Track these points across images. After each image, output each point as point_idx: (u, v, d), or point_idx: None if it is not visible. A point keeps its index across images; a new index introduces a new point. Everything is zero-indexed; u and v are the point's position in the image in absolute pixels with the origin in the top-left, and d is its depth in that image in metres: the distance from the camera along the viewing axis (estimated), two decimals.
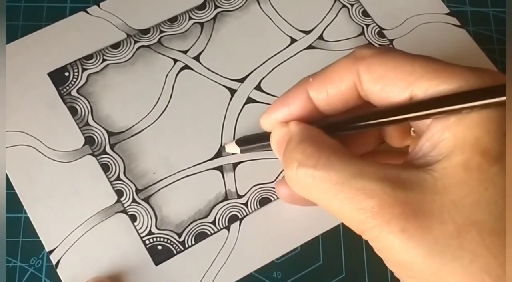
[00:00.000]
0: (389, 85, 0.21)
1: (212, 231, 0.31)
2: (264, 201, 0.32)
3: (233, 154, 0.32)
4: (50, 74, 0.34)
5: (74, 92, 0.34)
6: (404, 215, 0.19)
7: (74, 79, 0.34)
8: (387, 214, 0.19)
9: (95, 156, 0.33)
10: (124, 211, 0.31)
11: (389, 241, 0.19)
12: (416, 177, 0.20)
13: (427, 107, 0.20)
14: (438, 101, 0.20)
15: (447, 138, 0.20)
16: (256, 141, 0.29)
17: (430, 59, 0.21)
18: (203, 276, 0.30)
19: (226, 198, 0.32)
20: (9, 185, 0.32)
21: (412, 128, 0.26)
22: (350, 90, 0.23)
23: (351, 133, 0.25)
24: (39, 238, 0.31)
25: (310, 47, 0.36)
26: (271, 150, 0.26)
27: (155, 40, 0.36)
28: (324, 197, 0.21)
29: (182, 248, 0.31)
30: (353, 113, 0.24)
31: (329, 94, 0.23)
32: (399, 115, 0.21)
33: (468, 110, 0.19)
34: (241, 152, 0.31)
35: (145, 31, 0.36)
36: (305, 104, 0.24)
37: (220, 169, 0.33)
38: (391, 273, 0.31)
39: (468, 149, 0.19)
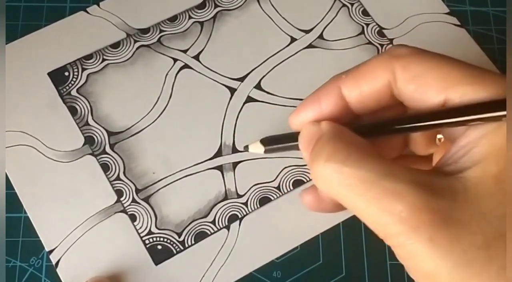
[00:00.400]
0: (424, 86, 0.21)
1: (212, 231, 0.31)
2: (264, 200, 0.32)
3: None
4: (50, 74, 0.34)
5: (74, 92, 0.34)
6: (433, 222, 0.18)
7: (74, 79, 0.34)
8: (416, 220, 0.18)
9: (95, 156, 0.33)
10: (124, 211, 0.31)
11: (415, 249, 0.18)
12: (448, 184, 0.19)
13: (466, 113, 0.20)
14: (477, 107, 0.19)
15: (482, 146, 0.19)
16: (282, 140, 0.28)
17: (467, 65, 0.21)
18: (203, 276, 0.30)
19: (226, 198, 0.32)
20: (9, 185, 0.32)
21: (439, 136, 0.26)
22: (384, 88, 0.22)
23: (376, 141, 0.24)
24: (39, 237, 0.31)
25: (310, 46, 0.36)
26: (297, 150, 0.25)
27: (155, 40, 0.36)
28: (350, 195, 0.20)
29: (182, 248, 0.31)
30: (385, 116, 0.24)
31: (362, 92, 0.23)
32: (436, 120, 0.21)
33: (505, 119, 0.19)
34: (265, 152, 0.29)
35: (144, 31, 0.36)
36: (337, 102, 0.24)
37: (220, 168, 0.33)
38: (391, 272, 0.31)
39: (503, 160, 0.19)
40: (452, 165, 0.20)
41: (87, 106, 0.34)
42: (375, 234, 0.20)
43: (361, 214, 0.20)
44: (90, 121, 0.33)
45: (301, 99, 0.34)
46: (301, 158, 0.33)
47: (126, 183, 0.32)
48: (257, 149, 0.29)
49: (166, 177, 0.32)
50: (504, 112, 0.19)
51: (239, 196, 0.32)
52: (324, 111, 0.24)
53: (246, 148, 0.30)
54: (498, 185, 0.19)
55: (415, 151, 0.26)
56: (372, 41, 0.36)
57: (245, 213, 0.32)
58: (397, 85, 0.22)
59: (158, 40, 0.36)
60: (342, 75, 0.24)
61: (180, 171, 0.33)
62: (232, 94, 0.34)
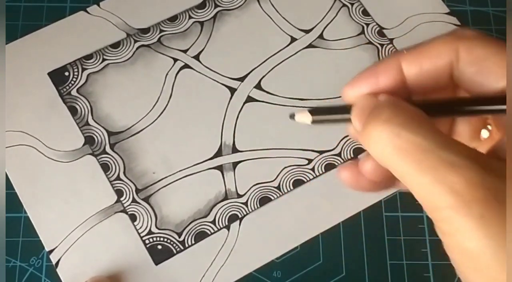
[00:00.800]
0: (486, 70, 0.21)
1: (212, 231, 0.31)
2: (264, 200, 0.32)
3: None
4: (50, 74, 0.34)
5: (74, 92, 0.34)
6: (486, 200, 0.18)
7: (74, 79, 0.34)
8: (469, 195, 0.18)
9: (95, 156, 0.33)
10: (124, 211, 0.31)
11: (463, 224, 0.18)
12: (502, 166, 0.19)
13: None
14: None
15: None
16: (333, 111, 0.26)
17: None
18: (203, 276, 0.30)
19: (226, 197, 0.32)
20: (9, 185, 0.32)
21: (484, 132, 0.25)
22: (445, 68, 0.22)
23: None
24: (39, 237, 0.31)
25: (310, 46, 0.36)
26: (346, 123, 0.24)
27: (155, 40, 0.36)
28: (403, 163, 0.19)
29: (182, 248, 0.31)
30: (442, 97, 0.23)
31: (423, 68, 0.22)
32: (496, 105, 0.20)
33: None
34: (313, 122, 0.27)
35: (145, 31, 0.36)
36: (396, 77, 0.23)
37: (220, 168, 0.33)
38: (391, 272, 0.31)
39: None
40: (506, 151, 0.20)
41: (87, 106, 0.34)
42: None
43: (411, 183, 0.19)
44: (90, 121, 0.33)
45: (301, 99, 0.35)
46: (302, 158, 0.33)
47: (126, 183, 0.32)
48: (304, 118, 0.28)
49: (166, 176, 0.32)
50: None
51: (239, 196, 0.32)
52: (381, 85, 0.23)
53: (292, 116, 0.28)
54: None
55: (461, 135, 0.26)
56: (372, 41, 0.36)
57: (245, 213, 0.32)
58: (459, 66, 0.22)
59: (158, 40, 0.36)
60: (404, 51, 0.23)
61: (180, 170, 0.32)
62: (232, 94, 0.34)
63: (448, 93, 0.23)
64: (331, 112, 0.26)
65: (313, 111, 0.26)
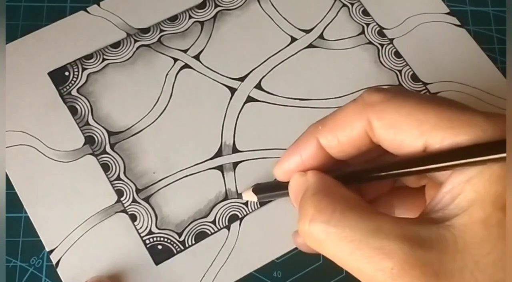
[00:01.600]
0: (401, 133, 0.21)
1: (212, 231, 0.31)
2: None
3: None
4: (50, 74, 0.34)
5: (74, 92, 0.34)
6: (425, 277, 0.18)
7: (74, 79, 0.34)
8: (407, 276, 0.18)
9: (95, 156, 0.33)
10: (124, 211, 0.31)
11: None
12: (436, 234, 0.19)
13: (448, 158, 0.19)
14: (458, 152, 0.19)
15: (467, 192, 0.19)
16: (273, 189, 0.28)
17: (443, 106, 0.20)
18: (203, 276, 0.30)
19: (226, 198, 0.32)
20: (9, 185, 0.32)
21: None
22: (362, 136, 0.22)
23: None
24: (39, 237, 0.31)
25: (311, 46, 0.36)
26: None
27: (155, 39, 0.36)
28: (340, 255, 0.20)
29: (182, 248, 0.31)
30: (368, 163, 0.24)
31: (340, 141, 0.23)
32: (418, 166, 0.21)
33: (492, 162, 0.19)
34: (258, 199, 0.30)
35: (145, 30, 0.36)
36: (316, 152, 0.24)
37: (220, 168, 0.33)
38: None
39: (488, 205, 0.18)
40: (440, 211, 0.20)
41: (87, 106, 0.34)
42: None
43: (354, 272, 0.20)
44: (91, 121, 0.33)
45: (301, 99, 0.35)
46: None
47: (127, 183, 0.32)
48: (250, 197, 0.30)
49: (167, 176, 0.32)
50: (488, 157, 0.18)
51: (240, 196, 0.32)
52: (306, 162, 0.24)
53: (240, 196, 0.31)
54: (488, 230, 0.18)
55: (407, 184, 0.26)
56: (372, 41, 0.36)
57: (245, 213, 0.32)
58: (375, 133, 0.22)
59: (159, 40, 0.36)
60: (319, 126, 0.23)
61: (181, 170, 0.33)
62: (232, 94, 0.34)
63: (380, 151, 0.23)
64: (274, 189, 0.28)
65: (257, 190, 0.30)
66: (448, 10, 0.37)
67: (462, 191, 0.19)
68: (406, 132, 0.21)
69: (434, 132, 0.20)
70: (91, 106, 0.34)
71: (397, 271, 0.18)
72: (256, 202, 0.32)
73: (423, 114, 0.20)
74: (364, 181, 0.24)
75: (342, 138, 0.23)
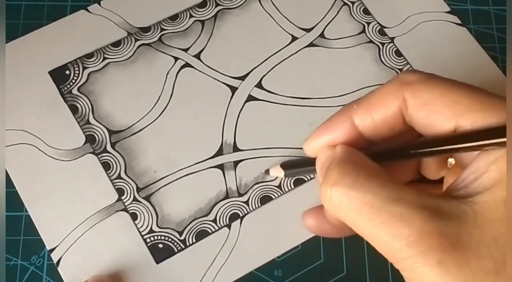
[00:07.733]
0: (434, 113, 0.21)
1: (213, 229, 0.31)
2: (265, 199, 0.32)
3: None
4: (50, 73, 0.34)
5: (74, 91, 0.34)
6: (442, 246, 0.18)
7: (75, 78, 0.34)
8: (424, 244, 0.18)
9: (96, 154, 0.33)
10: (125, 209, 0.31)
11: (423, 273, 0.18)
12: (457, 208, 0.19)
13: (478, 138, 0.20)
14: (488, 133, 0.20)
15: (492, 172, 0.19)
16: (301, 165, 0.29)
17: (476, 90, 0.21)
18: (204, 275, 0.30)
19: (227, 196, 0.32)
20: (10, 184, 0.32)
21: (450, 160, 0.26)
22: (396, 115, 0.23)
23: (390, 165, 0.25)
24: (40, 236, 0.31)
25: (311, 45, 0.36)
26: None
27: (156, 38, 0.36)
28: (358, 220, 0.20)
29: (183, 246, 0.31)
30: (399, 142, 0.24)
31: (375, 120, 0.23)
32: (448, 145, 0.21)
33: None
34: (285, 175, 0.31)
35: (145, 29, 0.36)
36: (349, 131, 0.24)
37: (221, 167, 0.33)
38: (392, 271, 0.32)
39: None
40: (463, 189, 0.20)
41: (88, 105, 0.34)
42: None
43: (370, 238, 0.20)
44: (91, 120, 0.33)
45: (302, 98, 0.35)
46: (303, 157, 0.33)
47: (127, 182, 0.32)
48: (278, 172, 0.30)
49: (167, 175, 0.32)
50: None
51: (240, 195, 0.32)
52: (336, 141, 0.24)
53: (266, 172, 0.31)
54: (509, 210, 0.18)
55: (427, 175, 0.27)
56: (373, 40, 0.36)
57: (246, 212, 0.32)
58: (409, 112, 0.22)
59: (159, 38, 0.35)
60: (354, 105, 0.24)
61: (181, 169, 0.33)
62: (233, 93, 0.34)
63: (411, 135, 0.23)
64: (301, 165, 0.28)
65: (285, 166, 0.30)
66: (449, 9, 0.37)
67: (487, 170, 0.19)
68: (439, 112, 0.21)
69: (466, 113, 0.20)
70: (91, 105, 0.34)
71: (414, 239, 0.18)
72: (258, 200, 0.32)
73: (456, 96, 0.21)
74: (394, 159, 0.24)
75: (376, 117, 0.23)
